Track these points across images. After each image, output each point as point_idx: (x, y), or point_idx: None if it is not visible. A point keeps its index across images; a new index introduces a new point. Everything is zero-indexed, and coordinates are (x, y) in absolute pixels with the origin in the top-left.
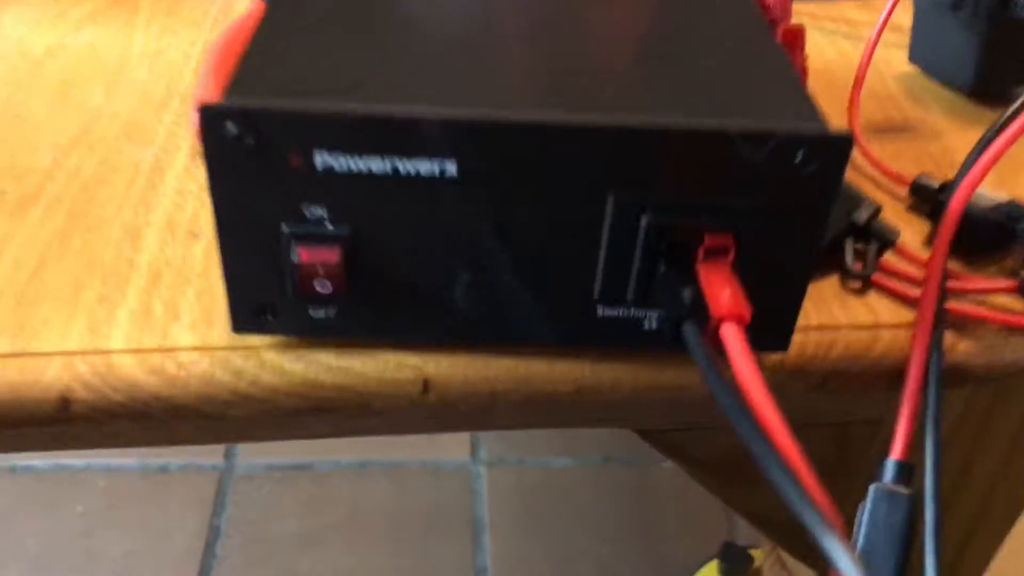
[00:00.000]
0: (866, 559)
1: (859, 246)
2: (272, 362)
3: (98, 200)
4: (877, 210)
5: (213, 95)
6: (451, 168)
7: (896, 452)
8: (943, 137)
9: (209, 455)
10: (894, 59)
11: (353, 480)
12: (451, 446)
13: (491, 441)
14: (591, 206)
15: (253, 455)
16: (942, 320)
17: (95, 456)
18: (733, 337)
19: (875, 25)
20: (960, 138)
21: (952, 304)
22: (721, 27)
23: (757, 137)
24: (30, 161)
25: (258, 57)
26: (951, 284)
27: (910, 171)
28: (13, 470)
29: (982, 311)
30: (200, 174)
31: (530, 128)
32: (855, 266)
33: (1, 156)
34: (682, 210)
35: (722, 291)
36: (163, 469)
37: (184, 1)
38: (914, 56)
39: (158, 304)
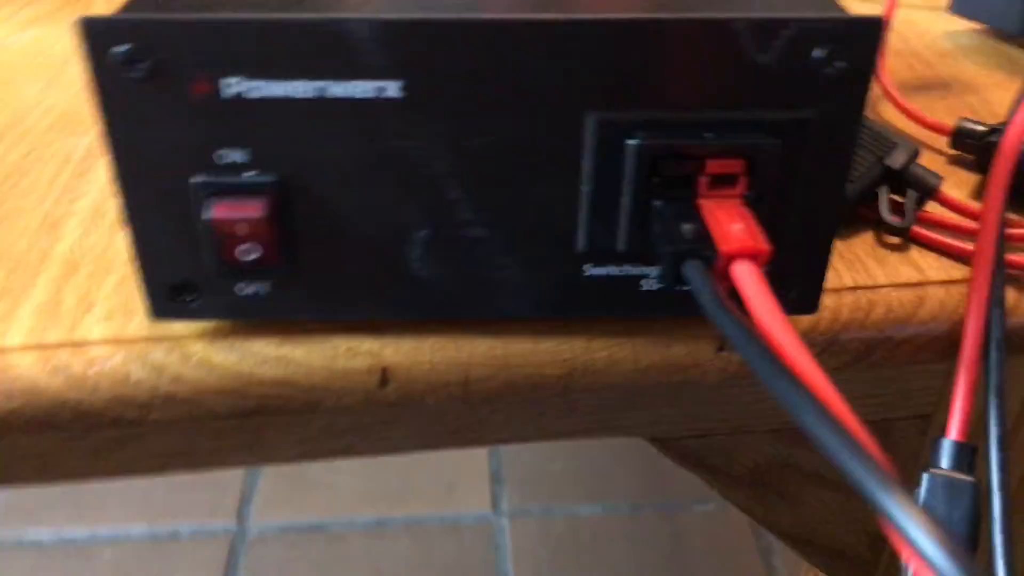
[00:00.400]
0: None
1: (894, 196)
2: (198, 354)
3: (18, 190)
4: (915, 152)
5: None
6: (392, 87)
7: (954, 432)
8: (982, 91)
9: (220, 517)
10: (917, 19)
11: (371, 540)
12: (471, 498)
13: (512, 490)
14: (566, 130)
15: (266, 516)
16: (1002, 274)
17: (100, 524)
18: (748, 276)
19: None
20: (1002, 90)
21: (1013, 256)
22: None
23: (765, 28)
24: None
25: None
26: (1010, 232)
27: (947, 123)
28: (18, 545)
29: None
30: None
31: (489, 28)
32: (892, 218)
33: None
34: (679, 129)
35: (731, 224)
36: (172, 536)
37: None
38: (956, 5)
39: (70, 296)
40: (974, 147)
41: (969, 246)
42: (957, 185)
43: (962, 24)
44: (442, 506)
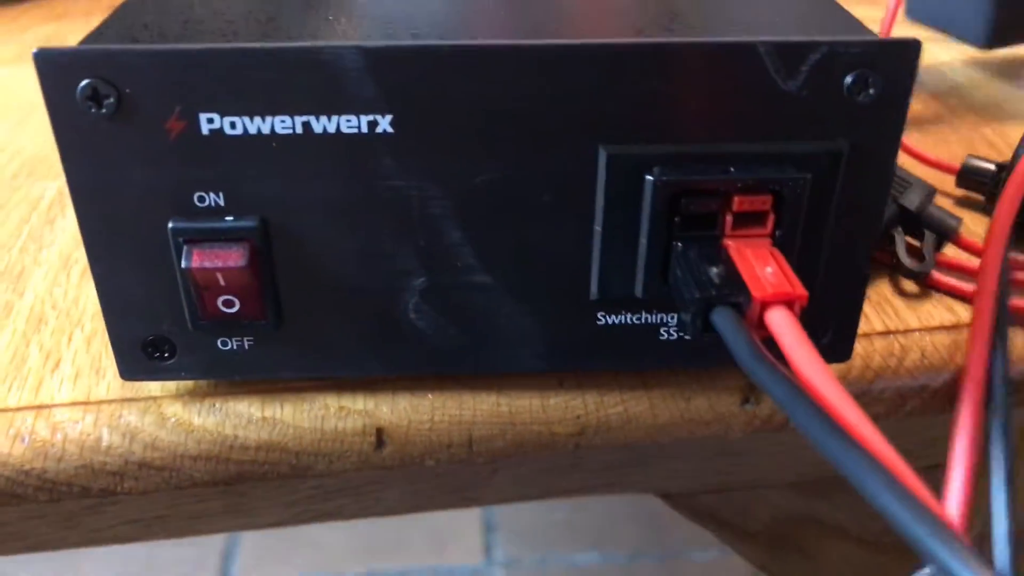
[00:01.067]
0: None
1: (910, 239)
2: (175, 416)
3: None
4: (931, 193)
5: None
6: (383, 121)
7: (953, 501)
8: (982, 116)
9: (202, 574)
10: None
11: None
12: (462, 548)
13: (506, 539)
14: (577, 165)
15: (250, 572)
16: (1004, 320)
17: None
18: (786, 325)
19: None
20: (1002, 114)
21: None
22: None
23: (793, 51)
24: None
25: (129, 11)
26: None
27: (953, 157)
28: None
29: None
30: None
31: (489, 55)
32: (910, 263)
33: None
34: (701, 164)
35: (763, 267)
36: None
37: None
38: (913, 10)
39: (35, 351)
40: (985, 184)
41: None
42: (967, 225)
43: (960, 49)
44: (432, 557)
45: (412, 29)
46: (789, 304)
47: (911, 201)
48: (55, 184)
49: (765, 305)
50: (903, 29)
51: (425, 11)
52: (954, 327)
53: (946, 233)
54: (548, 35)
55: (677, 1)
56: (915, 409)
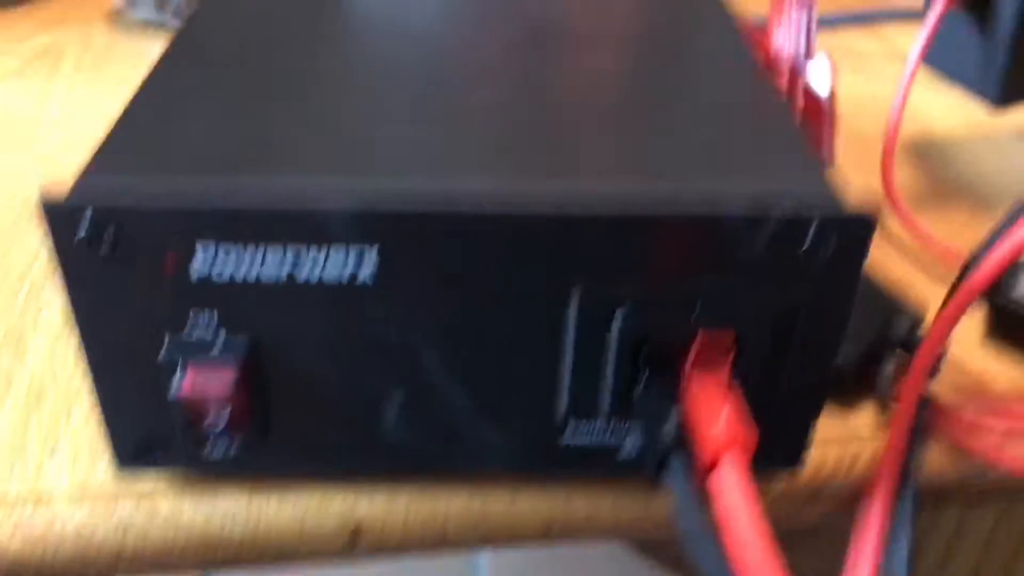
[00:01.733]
0: None
1: (896, 364)
2: (166, 511)
3: None
4: (918, 321)
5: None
6: (364, 274)
7: None
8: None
9: None
10: (935, 105)
11: None
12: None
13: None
14: (551, 303)
15: None
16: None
17: None
18: (732, 474)
19: (887, 56)
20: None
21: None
22: (714, 78)
23: (754, 223)
24: None
25: (127, 131)
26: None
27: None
28: None
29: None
30: None
31: (471, 219)
32: (890, 392)
33: None
34: (667, 305)
35: (718, 411)
36: None
37: (113, 54)
38: (932, 59)
39: (34, 433)
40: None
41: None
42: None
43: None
44: None
45: (396, 169)
46: (739, 449)
47: (898, 329)
48: None
49: (717, 452)
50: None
51: (408, 147)
52: None
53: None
54: (528, 183)
55: (652, 138)
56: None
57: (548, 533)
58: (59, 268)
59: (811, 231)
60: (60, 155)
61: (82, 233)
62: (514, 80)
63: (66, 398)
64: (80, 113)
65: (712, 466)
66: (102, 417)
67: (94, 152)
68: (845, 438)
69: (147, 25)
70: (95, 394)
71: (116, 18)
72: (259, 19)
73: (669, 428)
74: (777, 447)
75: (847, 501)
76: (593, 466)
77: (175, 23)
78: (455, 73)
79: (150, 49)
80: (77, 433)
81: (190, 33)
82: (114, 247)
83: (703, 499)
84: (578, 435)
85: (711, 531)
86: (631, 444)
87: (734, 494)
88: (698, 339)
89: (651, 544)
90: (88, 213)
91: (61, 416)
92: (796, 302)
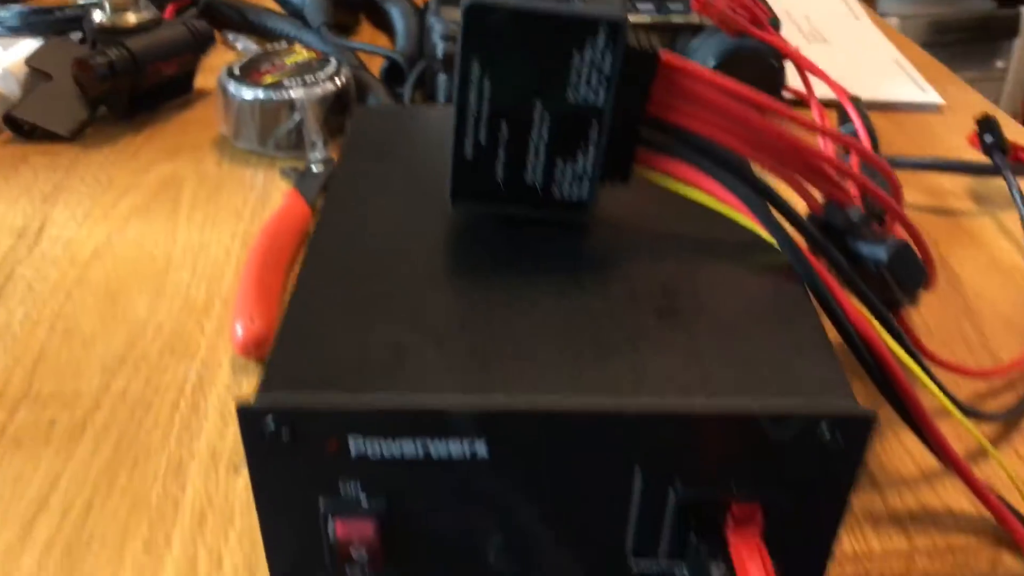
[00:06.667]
0: None
1: None
2: None
3: (144, 427)
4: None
5: (256, 312)
6: (482, 450)
7: None
8: None
9: None
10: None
11: None
12: None
13: None
14: (619, 480)
15: None
16: None
17: None
18: None
19: (966, 195)
20: None
21: None
22: (752, 290)
23: (782, 419)
24: (78, 384)
25: (289, 342)
26: None
27: None
28: None
29: None
30: (241, 393)
31: (556, 415)
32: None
33: (50, 380)
34: (709, 484)
35: (751, 566)
36: None
37: (224, 185)
38: None
39: (203, 550)
40: None
41: None
42: None
43: None
44: None
45: (502, 375)
46: None
47: None
48: (194, 365)
49: None
50: None
51: (514, 360)
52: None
53: None
54: (598, 389)
55: (697, 349)
56: None
57: None
58: (247, 450)
59: (828, 426)
60: (193, 289)
61: (270, 424)
62: (590, 287)
63: (223, 519)
64: (202, 243)
65: None
66: (267, 556)
67: (266, 368)
68: (861, 557)
69: (250, 154)
70: (264, 537)
71: (223, 145)
72: (376, 225)
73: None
74: None
75: None
76: None
77: (275, 154)
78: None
79: (253, 179)
80: (234, 552)
81: (320, 241)
82: (292, 435)
83: None
84: (644, 563)
85: None
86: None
87: None
88: (734, 507)
89: None
90: (272, 410)
91: (220, 536)
92: (811, 480)
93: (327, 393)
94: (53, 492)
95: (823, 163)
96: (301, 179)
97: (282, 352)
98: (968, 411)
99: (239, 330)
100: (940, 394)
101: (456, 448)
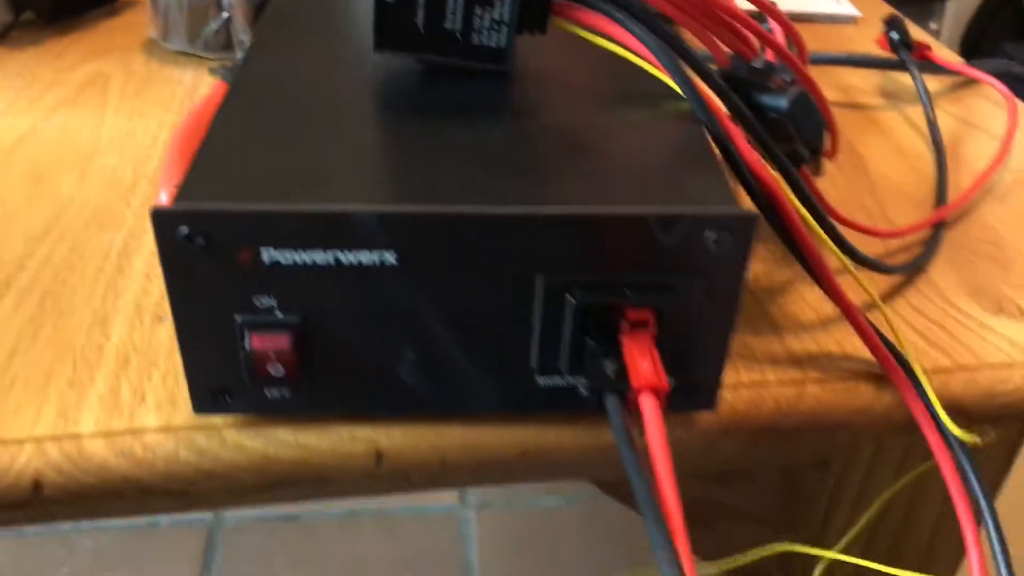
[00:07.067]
0: None
1: None
2: (232, 440)
3: (69, 286)
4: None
5: (174, 182)
6: (390, 257)
7: None
8: None
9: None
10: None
11: (342, 530)
12: (439, 492)
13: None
14: (523, 287)
15: (241, 508)
16: None
17: None
18: (649, 407)
19: (875, 92)
20: None
21: None
22: (655, 130)
23: (670, 220)
24: (1, 251)
25: (208, 159)
26: None
27: None
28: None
29: None
30: None
31: (461, 219)
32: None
33: None
34: (605, 289)
35: (642, 363)
36: (152, 525)
37: (153, 82)
38: None
39: (126, 387)
40: None
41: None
42: None
43: None
44: (410, 498)
45: (412, 187)
46: (655, 391)
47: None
48: (119, 235)
49: (639, 390)
50: None
51: (423, 176)
52: (802, 382)
53: None
54: (502, 198)
55: (599, 170)
56: (767, 443)
57: (525, 456)
58: (163, 256)
59: (712, 228)
60: (119, 171)
61: (183, 232)
62: (504, 125)
63: (146, 363)
64: (129, 131)
65: (636, 401)
66: (185, 370)
67: (184, 180)
68: (755, 384)
69: (179, 55)
70: (181, 350)
71: (151, 47)
72: (300, 69)
73: (608, 375)
74: (696, 394)
75: (753, 436)
76: (561, 403)
77: (204, 54)
78: (459, 117)
79: (182, 76)
80: (158, 389)
81: (244, 80)
82: (205, 245)
83: (631, 425)
84: (547, 378)
85: (634, 446)
86: (586, 385)
87: (649, 420)
88: (628, 313)
89: (609, 484)
90: (186, 216)
91: (144, 377)
92: (700, 282)
93: (240, 202)
94: None
95: (731, 18)
96: (229, 73)
97: (198, 169)
98: (863, 260)
99: (163, 197)
100: (829, 241)
101: (366, 256)
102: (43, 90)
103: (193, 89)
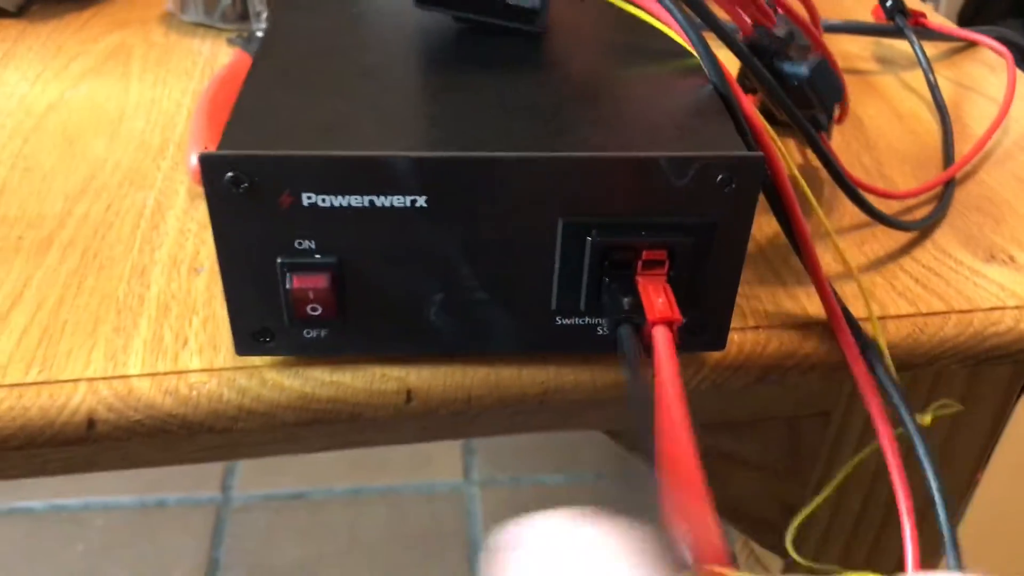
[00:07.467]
0: None
1: None
2: (272, 380)
3: (108, 241)
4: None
5: (208, 143)
6: (420, 200)
7: None
8: None
9: (205, 488)
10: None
11: (349, 507)
12: (444, 468)
13: (483, 461)
14: (544, 229)
15: (249, 487)
16: None
17: (92, 495)
18: (662, 337)
19: (871, 58)
20: None
21: None
22: (668, 84)
23: (681, 162)
24: (42, 208)
25: (247, 110)
26: None
27: None
28: (11, 513)
29: None
30: (197, 215)
31: (487, 162)
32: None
33: (14, 206)
34: (622, 230)
35: (656, 299)
36: (160, 504)
37: (173, 52)
38: None
39: (168, 333)
40: None
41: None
42: None
43: None
44: (417, 475)
45: (442, 137)
46: (668, 323)
47: None
48: (152, 194)
49: (653, 323)
50: None
51: (452, 124)
52: (805, 324)
53: None
54: (526, 144)
55: (615, 118)
56: (773, 381)
57: (545, 395)
58: (210, 200)
59: (722, 170)
60: (147, 134)
61: (229, 176)
62: (529, 79)
63: (186, 310)
64: (154, 99)
65: (650, 335)
66: (229, 312)
67: (226, 130)
68: (762, 327)
69: (197, 26)
70: (226, 293)
71: (169, 19)
72: (328, 28)
73: (624, 310)
74: (706, 333)
75: (762, 373)
76: (579, 343)
77: (221, 25)
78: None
79: (200, 47)
80: (199, 334)
81: (274, 38)
82: (249, 188)
83: (644, 360)
84: (567, 319)
85: (641, 371)
86: (604, 324)
87: (662, 350)
88: (643, 253)
89: (618, 432)
90: (232, 160)
91: (185, 323)
92: (711, 222)
93: (282, 148)
94: (26, 290)
95: None
96: (247, 43)
97: (239, 120)
98: (882, 217)
99: (193, 159)
100: (859, 197)
101: (398, 199)
102: (68, 60)
103: (212, 59)
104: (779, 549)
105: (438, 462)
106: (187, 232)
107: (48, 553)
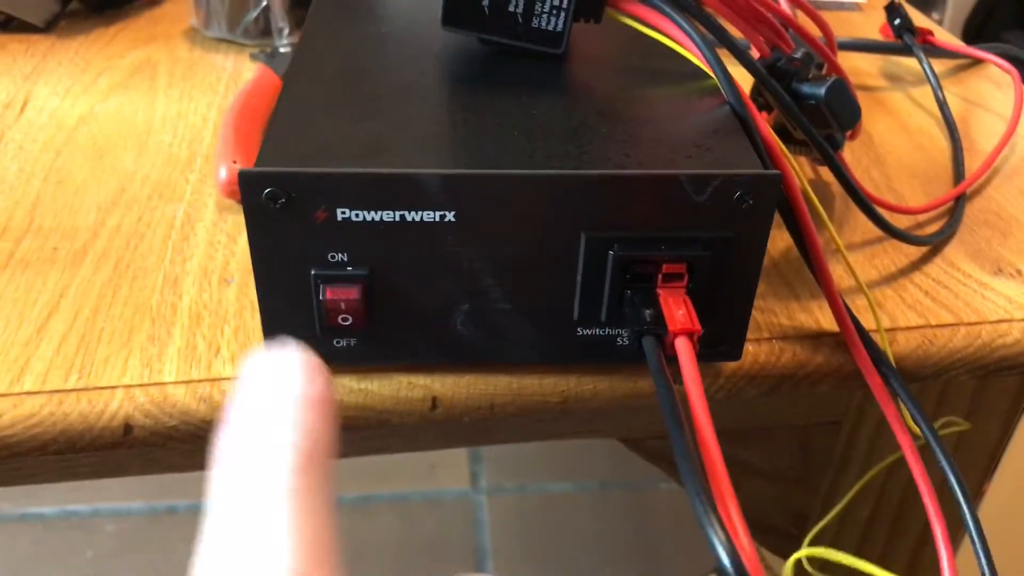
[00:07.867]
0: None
1: None
2: None
3: (140, 252)
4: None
5: (236, 156)
6: (449, 215)
7: None
8: None
9: None
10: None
11: (357, 515)
12: (451, 476)
13: (491, 469)
14: (567, 243)
15: None
16: None
17: (102, 501)
18: (684, 348)
19: (879, 74)
20: None
21: None
22: (687, 104)
23: (701, 179)
24: (75, 221)
25: (283, 128)
26: None
27: None
28: (23, 518)
29: None
30: (226, 226)
31: (513, 180)
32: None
33: (48, 217)
34: (643, 244)
35: (677, 311)
36: (170, 510)
37: (198, 67)
38: None
39: (201, 342)
40: None
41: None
42: None
43: None
44: (424, 483)
45: (469, 155)
46: (689, 334)
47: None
48: (181, 207)
49: (675, 335)
50: None
51: (478, 142)
52: (817, 335)
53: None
54: (550, 162)
55: (636, 136)
56: (786, 391)
57: (565, 404)
58: (248, 214)
59: (740, 186)
60: (175, 148)
61: (267, 192)
62: (554, 99)
63: (217, 320)
64: (180, 113)
65: (672, 346)
66: (262, 320)
67: (262, 147)
68: (775, 338)
69: (220, 42)
70: (260, 303)
71: (193, 35)
72: (357, 48)
73: (645, 321)
74: (723, 343)
75: (776, 383)
76: (599, 353)
77: (244, 41)
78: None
79: (224, 62)
80: (231, 342)
81: (305, 57)
82: (286, 203)
83: (666, 368)
84: (588, 329)
85: (670, 379)
86: (624, 335)
87: (684, 359)
88: (663, 267)
89: (633, 440)
90: (270, 178)
91: (217, 332)
92: (729, 237)
93: (317, 165)
94: (63, 300)
95: (770, 14)
96: (270, 59)
97: (275, 137)
98: (896, 232)
99: (222, 172)
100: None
101: (428, 215)
102: (96, 75)
103: (236, 74)
104: (785, 553)
105: (445, 470)
106: (216, 244)
107: (58, 558)
